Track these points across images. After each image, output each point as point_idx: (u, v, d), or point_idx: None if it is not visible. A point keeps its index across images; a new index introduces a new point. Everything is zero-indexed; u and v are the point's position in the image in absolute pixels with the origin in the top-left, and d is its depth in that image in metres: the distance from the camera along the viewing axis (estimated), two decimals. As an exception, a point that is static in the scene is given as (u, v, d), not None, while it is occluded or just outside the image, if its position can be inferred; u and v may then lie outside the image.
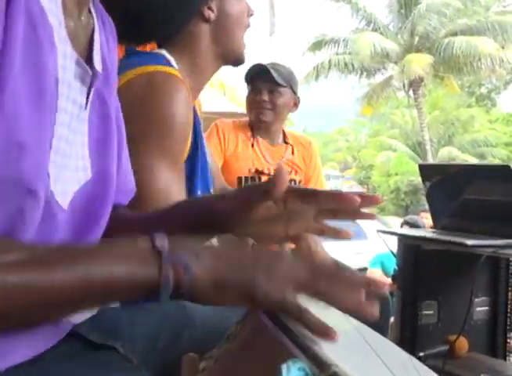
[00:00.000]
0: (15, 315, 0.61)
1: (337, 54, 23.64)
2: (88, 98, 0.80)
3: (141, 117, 1.12)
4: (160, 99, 1.16)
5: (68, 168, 0.76)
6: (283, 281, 0.66)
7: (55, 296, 0.61)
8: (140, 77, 1.19)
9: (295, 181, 2.54)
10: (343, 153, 41.45)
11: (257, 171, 2.46)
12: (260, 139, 2.55)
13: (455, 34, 22.14)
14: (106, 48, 0.89)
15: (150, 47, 1.39)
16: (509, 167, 1.97)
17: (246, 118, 2.61)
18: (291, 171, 2.53)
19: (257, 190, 0.86)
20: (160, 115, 1.15)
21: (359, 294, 0.67)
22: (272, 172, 2.45)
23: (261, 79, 2.49)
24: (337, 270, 0.69)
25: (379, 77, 25.00)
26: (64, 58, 0.73)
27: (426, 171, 2.31)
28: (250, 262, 0.68)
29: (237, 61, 1.46)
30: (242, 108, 5.56)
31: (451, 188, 2.18)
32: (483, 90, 34.05)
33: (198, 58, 1.37)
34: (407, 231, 2.27)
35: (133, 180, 0.99)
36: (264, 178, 2.42)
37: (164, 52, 1.33)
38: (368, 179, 33.75)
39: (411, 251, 2.12)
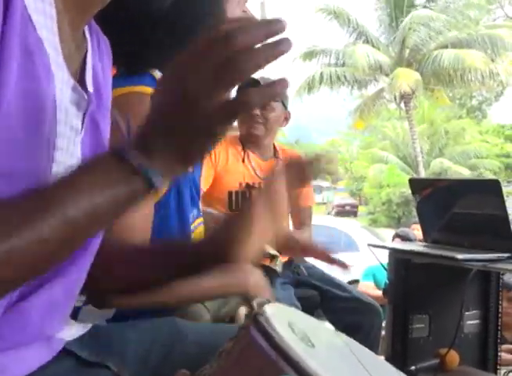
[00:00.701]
0: (7, 277, 0.59)
1: (328, 65, 23.77)
2: (83, 122, 0.81)
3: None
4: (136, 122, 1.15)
5: None
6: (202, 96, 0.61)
7: (43, 247, 0.59)
8: (119, 97, 1.15)
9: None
10: (335, 165, 41.50)
11: (247, 185, 2.46)
12: (250, 154, 2.55)
13: (445, 46, 22.32)
14: (101, 67, 0.89)
15: None
16: (497, 181, 1.99)
17: (237, 132, 2.62)
18: None
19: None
20: None
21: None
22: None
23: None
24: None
25: (371, 89, 25.18)
26: (61, 84, 0.73)
27: (416, 185, 2.33)
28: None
29: None
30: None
31: (441, 202, 2.20)
32: (474, 102, 34.33)
33: None
34: (397, 245, 2.29)
35: None
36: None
37: (154, 71, 1.30)
38: (360, 191, 33.84)
39: (401, 264, 2.14)
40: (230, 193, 2.44)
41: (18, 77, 0.64)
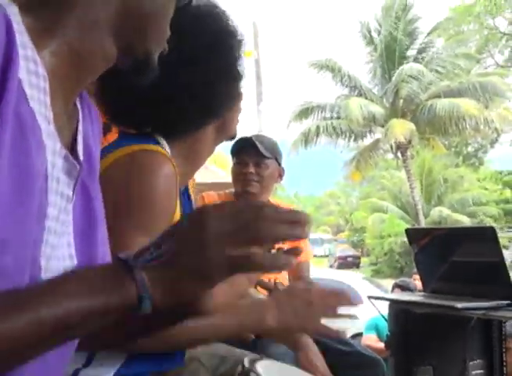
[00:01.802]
0: None
1: (324, 119, 24.09)
2: (74, 190, 0.82)
3: (123, 195, 1.14)
4: (141, 176, 1.18)
5: (56, 258, 0.78)
6: (215, 248, 0.68)
7: (9, 344, 0.62)
8: (125, 157, 1.21)
9: (283, 248, 2.54)
10: (335, 217, 41.61)
11: None
12: None
13: (438, 96, 22.66)
14: (91, 134, 0.91)
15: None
16: (493, 228, 2.00)
17: (232, 189, 2.63)
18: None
19: None
20: (140, 191, 1.16)
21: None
22: None
23: (247, 152, 2.52)
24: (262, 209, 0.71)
25: (367, 140, 25.42)
26: (53, 155, 0.75)
27: (413, 235, 2.33)
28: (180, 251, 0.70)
29: (232, 138, 1.52)
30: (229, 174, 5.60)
31: (438, 251, 2.20)
32: (470, 149, 34.57)
33: (198, 146, 1.40)
34: (396, 296, 2.27)
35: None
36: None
37: (157, 135, 1.34)
38: (361, 242, 33.74)
39: (402, 315, 2.12)
40: None
41: (10, 149, 0.66)
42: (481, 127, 22.25)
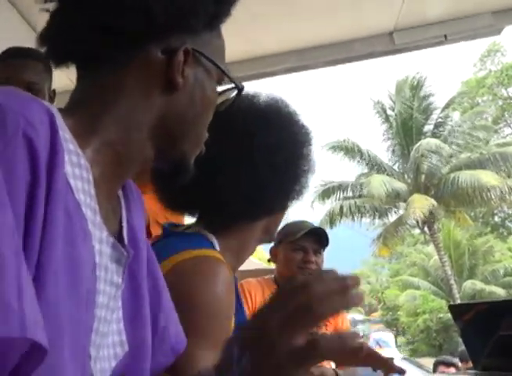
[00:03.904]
0: None
1: (346, 199, 24.12)
2: (122, 277, 0.83)
3: (187, 303, 1.12)
4: (203, 285, 1.17)
5: (106, 345, 0.79)
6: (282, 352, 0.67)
7: None
8: (184, 262, 1.20)
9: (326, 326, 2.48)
10: (366, 296, 40.81)
11: None
12: None
13: (459, 168, 22.69)
14: (135, 216, 0.92)
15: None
16: (539, 299, 1.96)
17: (272, 275, 2.62)
18: (324, 325, 2.49)
19: None
20: (203, 300, 1.15)
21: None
22: None
23: (308, 239, 2.48)
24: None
25: (392, 217, 25.30)
26: (100, 243, 0.77)
27: (456, 311, 2.29)
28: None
29: (271, 240, 1.51)
30: (261, 262, 5.55)
31: (484, 326, 2.15)
32: (497, 219, 34.17)
33: (246, 241, 1.40)
34: (448, 376, 2.20)
35: (182, 333, 1.00)
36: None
37: (204, 231, 1.34)
38: (396, 321, 32.87)
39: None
40: None
41: (61, 241, 0.67)
42: (507, 196, 22.08)
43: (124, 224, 0.88)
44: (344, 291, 0.69)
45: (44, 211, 0.64)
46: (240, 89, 0.96)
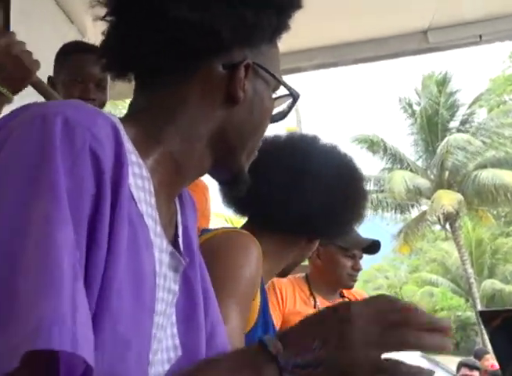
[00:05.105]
0: None
1: (369, 192, 24.02)
2: (179, 284, 0.85)
3: (220, 266, 1.18)
4: (234, 252, 1.22)
5: (161, 350, 0.80)
6: (363, 352, 0.67)
7: None
8: (218, 235, 1.28)
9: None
10: (383, 291, 40.73)
11: None
12: (318, 297, 2.51)
13: (484, 166, 22.50)
14: (189, 220, 0.94)
15: None
16: None
17: (303, 274, 2.60)
18: None
19: None
20: (235, 264, 1.20)
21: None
22: None
23: (358, 248, 2.47)
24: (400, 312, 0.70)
25: (414, 212, 25.19)
26: (160, 252, 0.78)
27: (486, 316, 2.27)
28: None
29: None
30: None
31: (513, 333, 2.13)
32: (519, 219, 33.82)
33: (284, 253, 1.47)
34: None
35: (225, 333, 1.01)
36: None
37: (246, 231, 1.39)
38: (413, 317, 32.78)
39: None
40: None
41: (126, 250, 0.68)
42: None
43: (180, 229, 0.89)
44: (436, 331, 0.69)
45: (109, 224, 0.66)
46: (296, 97, 0.96)
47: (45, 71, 2.74)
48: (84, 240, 0.63)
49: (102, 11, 0.84)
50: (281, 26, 0.88)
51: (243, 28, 0.81)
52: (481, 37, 3.54)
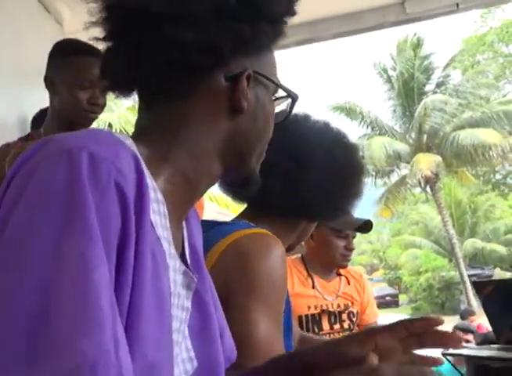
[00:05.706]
0: None
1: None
2: (192, 301, 0.86)
3: (246, 274, 1.17)
4: (262, 256, 1.21)
5: (177, 364, 0.82)
6: None
7: None
8: (242, 238, 1.25)
9: (353, 313, 2.51)
10: (368, 256, 41.16)
11: (315, 307, 2.43)
12: (315, 277, 2.53)
13: (462, 127, 22.65)
14: (195, 232, 0.95)
15: None
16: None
17: (299, 255, 2.61)
18: (351, 304, 2.51)
19: (356, 342, 0.89)
20: (262, 270, 1.19)
21: None
22: (330, 308, 2.45)
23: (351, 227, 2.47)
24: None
25: (394, 177, 25.36)
26: (174, 273, 0.79)
27: (479, 286, 2.34)
28: None
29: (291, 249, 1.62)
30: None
31: (506, 300, 2.20)
32: (498, 177, 34.22)
33: (285, 236, 1.45)
34: (473, 352, 2.24)
35: (233, 344, 1.02)
36: (324, 315, 2.42)
37: (246, 221, 1.39)
38: (398, 279, 33.24)
39: (481, 372, 2.09)
40: (300, 317, 2.40)
41: (149, 276, 0.70)
42: (508, 154, 22.07)
43: (186, 245, 0.90)
44: None
45: (134, 256, 0.67)
46: (295, 99, 0.98)
47: (16, 56, 2.72)
48: (113, 273, 0.64)
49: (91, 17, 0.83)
50: (277, 34, 0.89)
51: (241, 42, 0.82)
52: (458, 5, 3.55)
